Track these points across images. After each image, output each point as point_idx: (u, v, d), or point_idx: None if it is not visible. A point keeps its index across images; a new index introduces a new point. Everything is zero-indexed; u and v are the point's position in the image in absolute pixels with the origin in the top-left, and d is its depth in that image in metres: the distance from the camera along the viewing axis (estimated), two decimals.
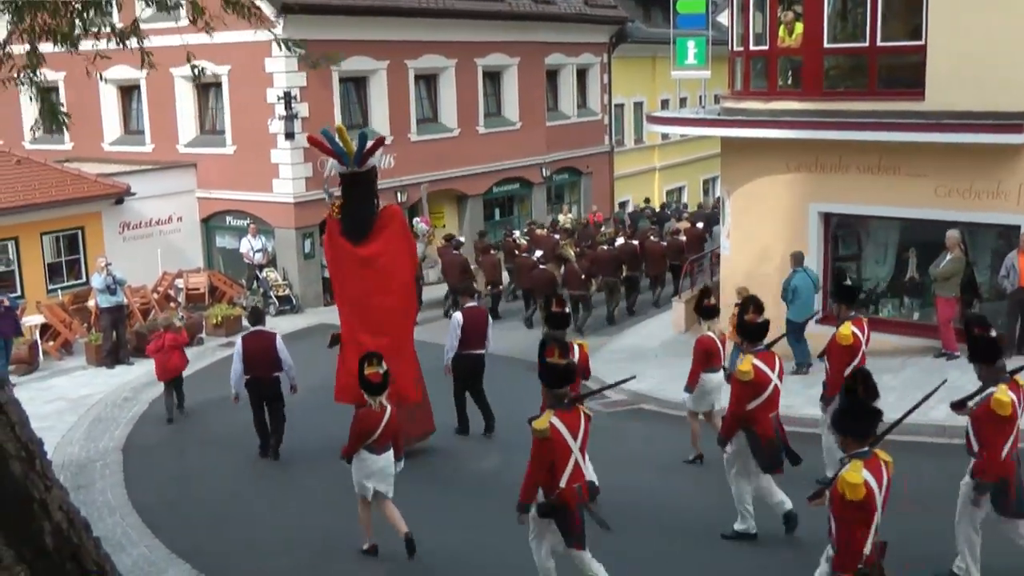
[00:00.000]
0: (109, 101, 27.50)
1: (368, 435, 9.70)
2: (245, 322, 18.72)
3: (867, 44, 16.31)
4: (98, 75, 10.30)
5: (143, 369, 19.57)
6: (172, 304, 23.65)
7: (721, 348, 12.39)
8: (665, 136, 37.14)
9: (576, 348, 11.13)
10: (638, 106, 37.95)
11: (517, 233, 28.02)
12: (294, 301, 24.71)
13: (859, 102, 16.41)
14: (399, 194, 26.57)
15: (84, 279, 22.99)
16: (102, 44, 10.48)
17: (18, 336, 19.43)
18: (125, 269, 20.50)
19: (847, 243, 18.19)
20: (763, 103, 17.62)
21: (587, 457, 8.20)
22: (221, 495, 12.50)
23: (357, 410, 9.91)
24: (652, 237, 25.69)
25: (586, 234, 27.91)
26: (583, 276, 22.30)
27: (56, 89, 27.11)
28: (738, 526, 9.93)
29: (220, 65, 22.87)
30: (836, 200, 17.29)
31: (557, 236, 26.65)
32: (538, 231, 27.81)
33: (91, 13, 9.74)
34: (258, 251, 24.99)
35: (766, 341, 9.89)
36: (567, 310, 11.51)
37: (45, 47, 10.40)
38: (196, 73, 10.90)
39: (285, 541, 10.79)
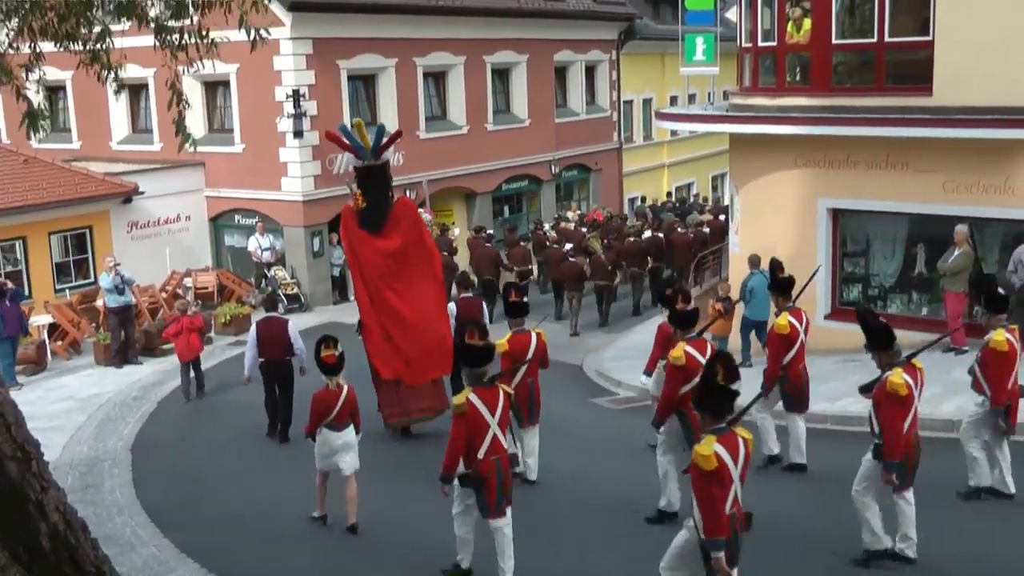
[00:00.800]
0: (117, 100, 27.50)
1: (326, 414, 10.29)
2: (254, 318, 18.95)
3: (875, 40, 16.29)
4: (107, 78, 10.22)
5: (152, 368, 19.64)
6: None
7: None
8: (674, 132, 37.13)
9: (534, 336, 11.48)
10: (647, 103, 37.90)
11: (547, 226, 28.65)
12: (303, 299, 24.71)
13: (867, 98, 16.39)
14: (408, 191, 26.54)
15: (92, 279, 23.02)
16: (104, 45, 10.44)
17: (24, 335, 19.46)
18: (133, 268, 20.50)
19: (855, 239, 18.16)
20: (772, 99, 17.60)
21: (508, 432, 8.94)
22: (230, 494, 12.50)
23: (315, 391, 10.54)
24: (679, 229, 26.70)
25: (612, 227, 28.36)
26: (609, 267, 23.00)
27: (63, 88, 27.30)
28: (662, 503, 10.31)
29: (228, 64, 22.90)
30: (845, 195, 17.27)
31: (584, 229, 27.55)
32: (563, 224, 28.56)
33: (88, 15, 9.71)
34: (266, 250, 24.99)
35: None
36: (525, 299, 11.88)
37: (51, 46, 10.40)
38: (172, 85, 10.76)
39: (296, 539, 10.78)
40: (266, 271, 25.00)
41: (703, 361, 9.52)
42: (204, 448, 14.58)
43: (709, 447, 6.66)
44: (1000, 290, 10.80)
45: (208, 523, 11.61)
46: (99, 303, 21.17)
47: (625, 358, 18.64)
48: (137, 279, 20.95)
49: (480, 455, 8.32)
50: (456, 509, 8.82)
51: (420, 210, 15.46)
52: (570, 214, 31.54)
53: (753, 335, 17.31)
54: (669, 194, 38.51)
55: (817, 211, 17.53)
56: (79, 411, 16.87)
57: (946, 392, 13.82)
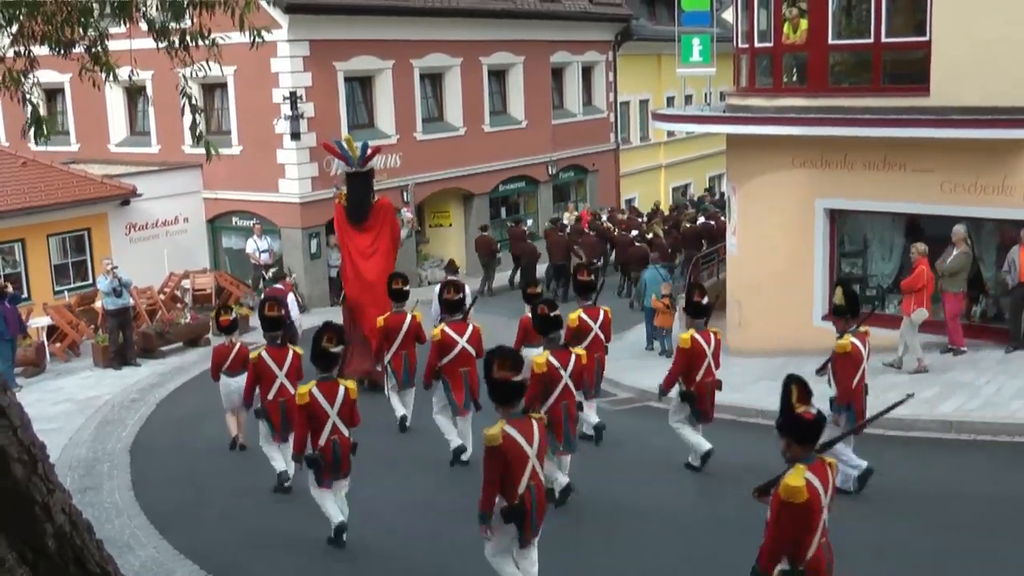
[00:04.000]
0: (115, 102, 27.53)
1: (223, 363, 13.40)
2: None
3: (872, 40, 16.31)
4: (104, 80, 10.20)
5: (150, 371, 19.64)
6: (179, 305, 23.70)
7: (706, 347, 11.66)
8: (671, 133, 37.14)
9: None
10: (643, 103, 37.91)
11: (604, 216, 31.09)
12: (301, 301, 24.68)
13: (864, 98, 16.41)
14: (404, 193, 26.61)
15: (91, 280, 23.04)
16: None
17: (23, 336, 19.47)
18: (131, 270, 20.51)
19: (853, 239, 18.18)
20: (768, 100, 17.62)
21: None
22: (229, 495, 12.49)
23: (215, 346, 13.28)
24: (723, 218, 27.52)
25: (669, 216, 31.59)
26: (669, 251, 25.46)
27: (62, 91, 27.31)
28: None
29: (226, 66, 22.88)
30: (842, 196, 17.29)
31: (642, 219, 31.08)
32: (619, 216, 31.36)
33: (88, 19, 9.69)
34: (264, 251, 25.00)
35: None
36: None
37: (47, 51, 10.39)
38: (184, 90, 10.80)
39: (294, 541, 10.78)
40: (263, 273, 25.00)
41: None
42: (203, 450, 14.56)
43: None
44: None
45: (207, 524, 11.61)
46: (98, 305, 21.16)
47: (622, 358, 18.65)
48: (135, 281, 20.95)
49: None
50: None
51: (403, 209, 19.78)
52: (567, 215, 31.64)
53: None
54: (707, 189, 40.19)
55: (814, 211, 17.54)
56: (78, 413, 16.86)
57: (943, 392, 13.87)
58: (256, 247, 24.94)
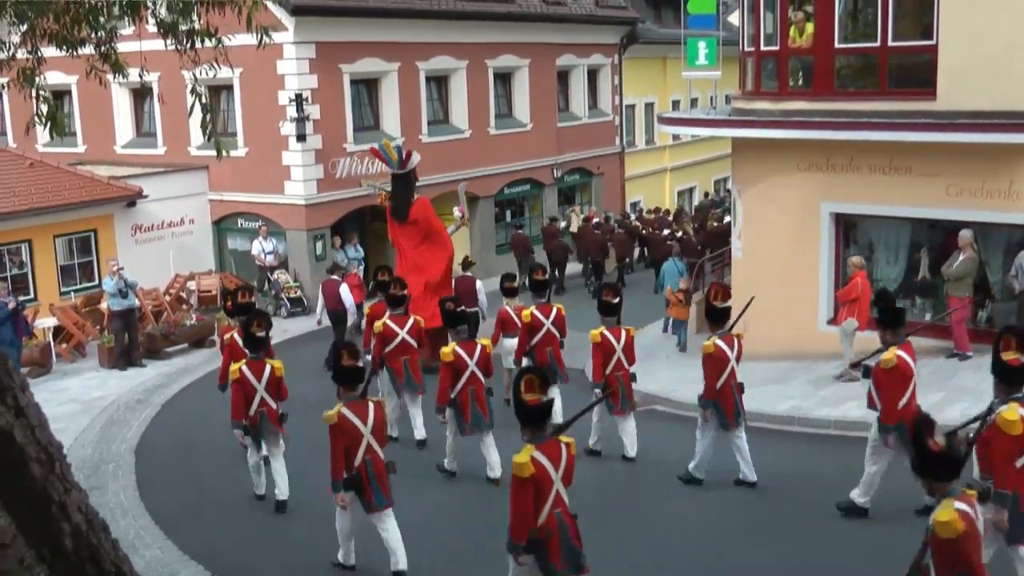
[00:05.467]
0: (122, 104, 27.59)
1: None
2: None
3: (878, 44, 16.30)
4: (109, 78, 10.25)
5: (155, 371, 19.69)
6: (184, 306, 23.73)
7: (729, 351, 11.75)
8: (676, 137, 37.13)
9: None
10: (649, 107, 37.96)
11: (633, 216, 33.60)
12: (305, 303, 24.75)
13: (870, 102, 16.40)
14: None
15: (97, 281, 23.07)
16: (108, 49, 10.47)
17: (28, 338, 19.52)
18: (137, 271, 20.56)
19: (859, 243, 18.17)
20: (774, 103, 17.62)
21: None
22: (233, 496, 12.51)
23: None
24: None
25: (698, 216, 33.04)
26: (698, 247, 26.66)
27: (69, 92, 27.35)
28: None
29: (232, 68, 22.93)
30: (848, 200, 17.28)
31: (671, 219, 32.66)
32: (646, 215, 33.99)
33: (90, 19, 9.72)
34: (269, 253, 25.03)
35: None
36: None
37: (56, 51, 10.42)
38: (194, 88, 10.87)
39: (298, 541, 10.82)
40: (269, 275, 25.04)
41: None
42: (207, 450, 14.59)
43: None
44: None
45: (211, 525, 11.65)
46: (103, 306, 21.19)
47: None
48: (141, 282, 21.02)
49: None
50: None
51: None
52: (573, 217, 31.73)
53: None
54: (728, 190, 40.06)
55: (820, 215, 17.54)
56: (83, 414, 16.89)
57: (949, 398, 13.85)
58: (262, 249, 24.97)
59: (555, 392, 12.74)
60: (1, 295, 18.64)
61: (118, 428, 16.10)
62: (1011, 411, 7.50)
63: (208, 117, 9.94)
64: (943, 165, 15.93)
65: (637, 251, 31.25)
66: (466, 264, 19.60)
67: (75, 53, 10.05)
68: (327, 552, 10.06)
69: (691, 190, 41.35)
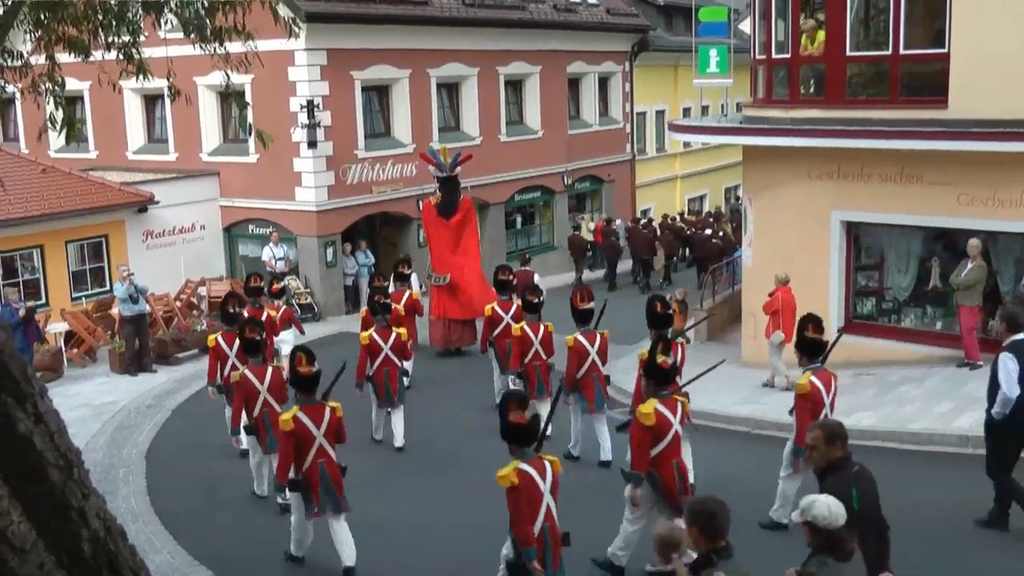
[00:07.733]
0: (133, 110, 27.69)
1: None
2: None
3: (890, 52, 16.30)
4: (120, 84, 10.34)
5: (166, 377, 19.73)
6: (195, 312, 23.79)
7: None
8: (687, 144, 37.09)
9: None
10: (660, 114, 37.94)
11: (677, 217, 35.17)
12: (316, 309, 24.79)
13: (881, 110, 16.40)
14: (419, 202, 26.65)
15: (108, 287, 23.14)
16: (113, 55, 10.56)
17: (40, 343, 19.58)
18: (148, 277, 20.60)
19: (869, 252, 18.16)
20: (785, 111, 17.63)
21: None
22: (244, 501, 12.55)
23: None
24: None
25: (735, 217, 32.89)
26: (736, 246, 26.67)
27: (81, 98, 27.45)
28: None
29: (243, 74, 23.01)
30: (858, 208, 17.27)
31: (711, 219, 34.19)
32: (687, 216, 36.13)
33: (113, 23, 9.78)
34: (280, 259, 25.06)
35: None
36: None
37: (69, 57, 10.48)
38: (227, 86, 11.01)
39: (309, 548, 10.81)
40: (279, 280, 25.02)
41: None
42: (218, 456, 14.61)
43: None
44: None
45: (221, 530, 11.68)
46: (114, 311, 21.24)
47: (635, 368, 18.63)
48: (152, 288, 21.06)
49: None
50: None
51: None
52: (582, 223, 31.85)
53: None
54: (740, 198, 40.93)
55: (831, 223, 17.53)
56: (94, 419, 16.93)
57: (960, 407, 13.83)
58: (272, 255, 24.99)
59: (543, 408, 12.69)
60: (12, 300, 18.73)
61: (129, 433, 16.14)
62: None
63: (245, 112, 10.11)
64: (954, 174, 15.92)
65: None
66: (524, 260, 23.17)
67: (88, 58, 10.12)
68: (335, 557, 10.06)
69: (702, 198, 41.32)
